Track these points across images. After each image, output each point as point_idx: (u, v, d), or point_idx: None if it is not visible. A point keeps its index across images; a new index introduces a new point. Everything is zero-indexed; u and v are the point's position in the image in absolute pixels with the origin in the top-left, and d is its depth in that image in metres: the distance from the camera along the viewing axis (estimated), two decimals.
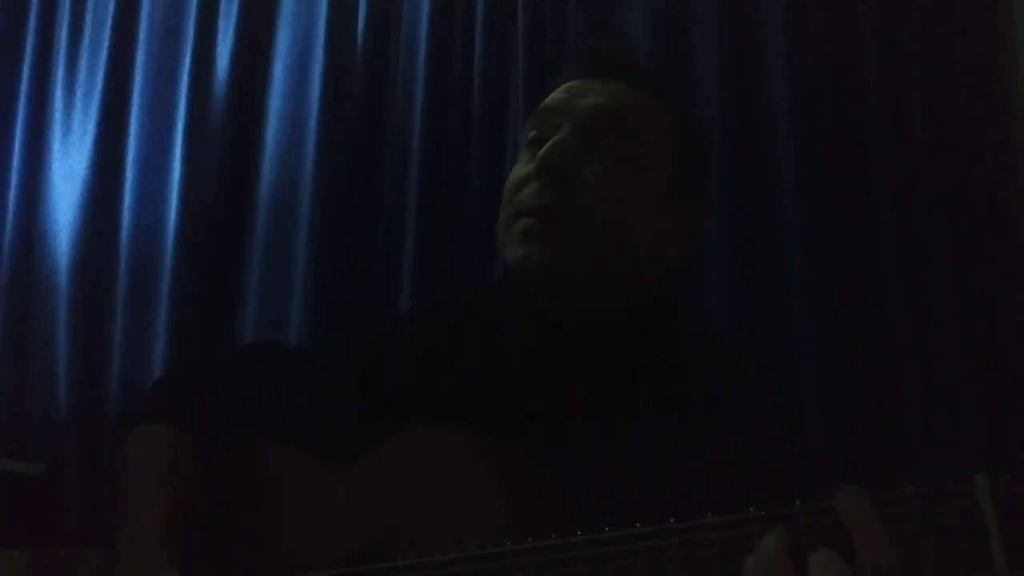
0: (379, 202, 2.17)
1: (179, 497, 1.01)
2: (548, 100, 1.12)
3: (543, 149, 1.04)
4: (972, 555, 0.62)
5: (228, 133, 2.30)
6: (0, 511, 2.07)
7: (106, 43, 2.43)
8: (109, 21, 2.44)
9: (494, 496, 0.88)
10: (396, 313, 2.01)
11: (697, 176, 1.14)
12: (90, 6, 2.49)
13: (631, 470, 0.94)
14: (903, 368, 1.72)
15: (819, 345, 1.76)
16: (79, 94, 2.44)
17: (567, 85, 1.12)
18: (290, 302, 2.14)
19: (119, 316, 2.26)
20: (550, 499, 0.90)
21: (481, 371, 1.09)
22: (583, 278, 1.04)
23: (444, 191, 2.11)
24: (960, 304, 1.71)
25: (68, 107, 2.44)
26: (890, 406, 1.71)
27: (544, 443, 0.97)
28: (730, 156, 1.90)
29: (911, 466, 1.65)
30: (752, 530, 0.70)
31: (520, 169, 1.09)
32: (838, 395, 1.73)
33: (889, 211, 1.79)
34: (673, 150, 1.10)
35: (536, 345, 1.09)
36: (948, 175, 1.77)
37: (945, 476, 0.65)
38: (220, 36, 2.37)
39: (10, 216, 2.40)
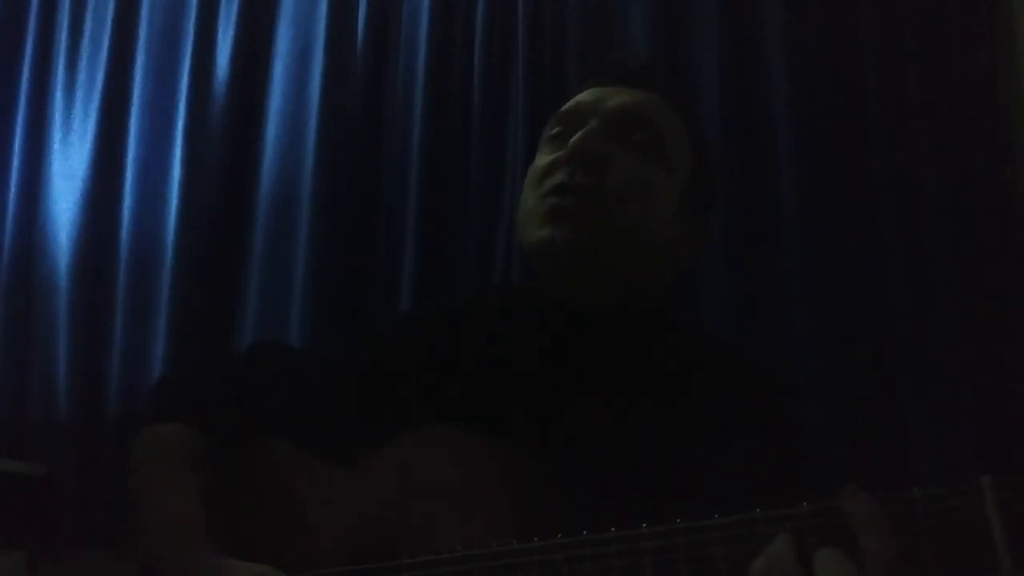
0: (379, 202, 2.17)
1: (202, 491, 1.01)
2: (573, 101, 1.15)
3: (575, 136, 1.06)
4: (977, 556, 0.62)
5: (228, 133, 2.30)
6: (0, 511, 2.07)
7: (106, 43, 2.42)
8: (109, 21, 2.43)
9: (499, 495, 0.89)
10: (398, 313, 2.01)
11: (709, 186, 1.17)
12: (90, 6, 2.49)
13: (636, 470, 0.94)
14: (905, 368, 1.72)
15: (820, 346, 1.76)
16: (79, 94, 2.44)
17: (591, 90, 1.14)
18: (290, 302, 2.14)
19: (119, 316, 2.25)
20: (554, 499, 0.90)
21: (484, 370, 1.09)
22: (602, 264, 1.06)
23: (444, 191, 2.10)
24: (961, 304, 1.70)
25: (68, 107, 2.44)
26: (893, 407, 1.71)
27: (549, 441, 0.97)
28: (730, 156, 1.90)
29: (914, 467, 1.65)
30: (757, 530, 0.70)
31: (544, 159, 1.11)
32: (840, 396, 1.72)
33: (889, 211, 1.79)
34: (690, 158, 1.13)
35: (541, 338, 1.09)
36: (948, 175, 1.77)
37: (949, 477, 0.65)
38: (220, 36, 2.37)
39: (10, 216, 2.39)
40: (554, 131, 1.14)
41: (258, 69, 2.33)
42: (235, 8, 2.36)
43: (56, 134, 2.42)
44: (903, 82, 1.83)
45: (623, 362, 1.06)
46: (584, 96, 1.14)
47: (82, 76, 2.44)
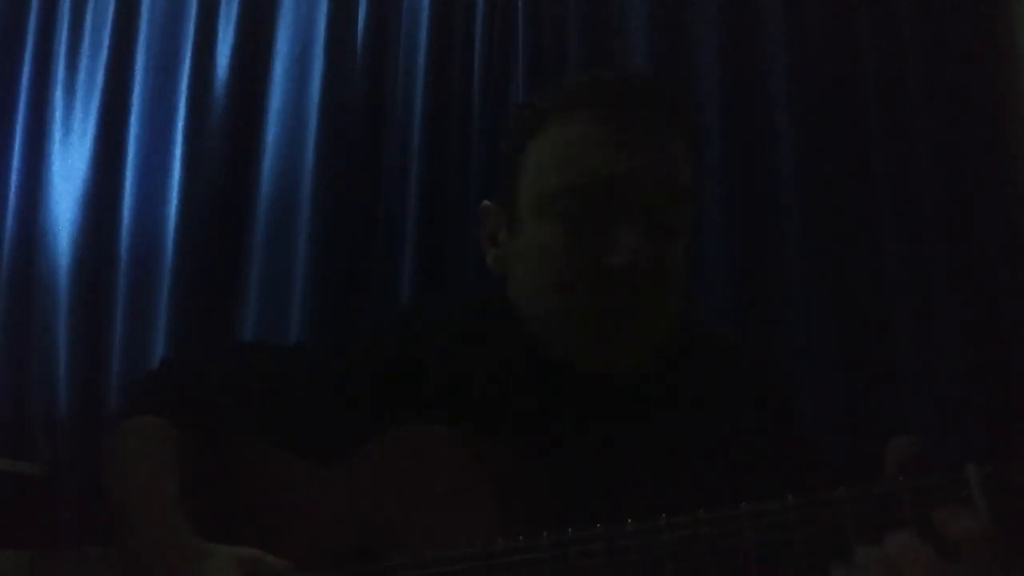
0: (379, 202, 2.17)
1: (183, 483, 1.00)
2: (590, 172, 0.97)
3: (622, 257, 0.94)
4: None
5: (228, 133, 2.30)
6: (0, 511, 2.07)
7: (106, 43, 2.42)
8: (109, 21, 2.44)
9: (486, 494, 0.88)
10: (391, 316, 2.01)
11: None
12: (90, 6, 2.49)
13: (624, 469, 0.94)
14: (904, 366, 1.71)
15: (820, 344, 1.76)
16: (79, 94, 2.44)
17: (608, 143, 0.98)
18: (290, 302, 2.14)
19: (119, 316, 2.26)
20: (542, 497, 0.90)
21: (474, 373, 1.08)
22: (642, 342, 1.01)
23: (444, 191, 2.10)
24: (961, 303, 1.70)
25: (68, 107, 2.44)
26: (892, 405, 1.70)
27: (536, 443, 0.96)
28: (730, 156, 1.89)
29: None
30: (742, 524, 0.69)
31: (554, 237, 0.98)
32: (837, 393, 1.72)
33: (889, 210, 1.79)
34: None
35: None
36: (948, 174, 1.77)
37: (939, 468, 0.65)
38: (220, 36, 2.37)
39: (10, 216, 2.39)
40: (569, 205, 0.97)
41: (258, 69, 2.33)
42: (235, 8, 2.37)
43: (56, 134, 2.43)
44: (903, 82, 1.83)
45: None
46: (604, 164, 0.97)
47: (82, 76, 2.45)
